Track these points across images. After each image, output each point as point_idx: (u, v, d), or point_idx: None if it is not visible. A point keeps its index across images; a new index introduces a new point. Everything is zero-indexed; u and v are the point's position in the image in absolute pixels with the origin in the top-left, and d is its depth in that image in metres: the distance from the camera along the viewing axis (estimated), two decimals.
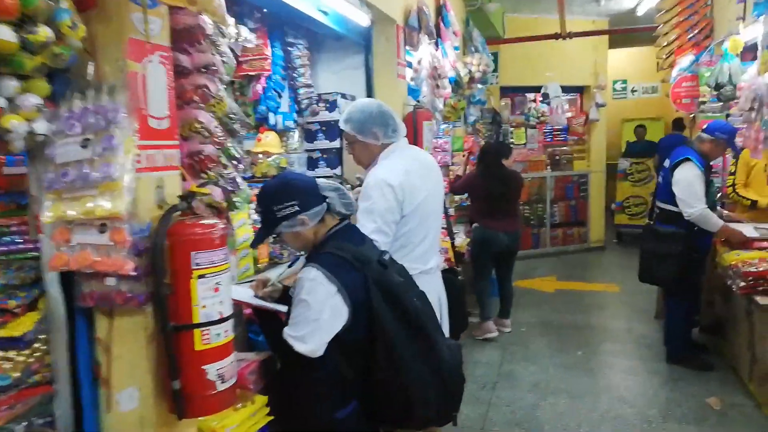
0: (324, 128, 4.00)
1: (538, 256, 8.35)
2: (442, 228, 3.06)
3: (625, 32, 8.49)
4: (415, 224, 2.30)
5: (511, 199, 5.17)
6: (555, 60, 8.51)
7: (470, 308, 5.79)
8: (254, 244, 2.05)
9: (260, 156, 3.54)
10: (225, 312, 1.67)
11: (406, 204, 2.27)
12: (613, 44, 9.09)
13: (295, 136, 3.81)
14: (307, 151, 4.03)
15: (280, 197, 1.83)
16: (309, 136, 4.01)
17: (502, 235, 5.02)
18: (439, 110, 4.82)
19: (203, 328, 1.61)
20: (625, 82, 11.87)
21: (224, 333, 1.66)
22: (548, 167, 8.75)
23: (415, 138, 4.31)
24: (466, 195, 5.74)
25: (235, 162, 1.93)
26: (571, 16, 7.52)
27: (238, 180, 1.92)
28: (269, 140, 3.57)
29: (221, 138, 1.85)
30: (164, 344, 1.60)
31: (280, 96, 3.60)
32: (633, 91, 11.89)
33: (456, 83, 5.60)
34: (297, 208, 1.82)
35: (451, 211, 5.94)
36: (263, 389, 2.08)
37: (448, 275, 2.74)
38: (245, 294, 2.06)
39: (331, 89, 4.10)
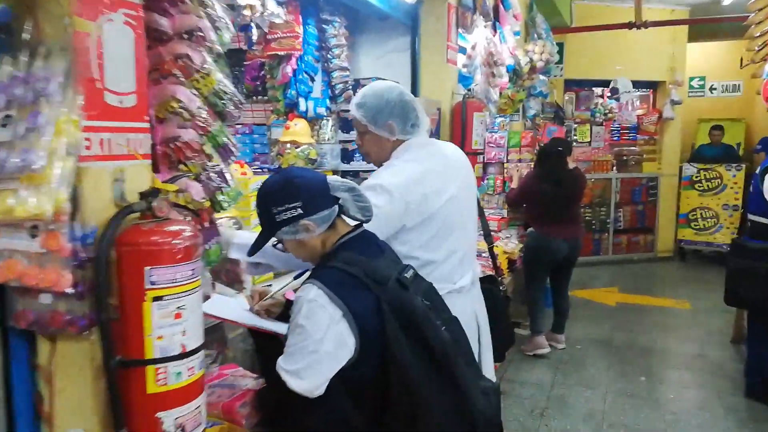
0: None
1: (598, 264, 7.73)
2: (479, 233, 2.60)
3: (710, 22, 7.70)
4: (433, 236, 1.88)
5: (573, 203, 4.66)
6: (626, 52, 7.90)
7: (519, 318, 5.40)
8: (251, 253, 1.68)
9: (288, 146, 3.19)
10: (190, 344, 1.30)
11: (413, 214, 1.85)
12: (692, 37, 8.30)
13: (329, 124, 3.42)
14: (342, 141, 3.64)
15: (280, 197, 1.50)
16: (344, 125, 3.61)
17: (561, 242, 4.51)
18: (493, 101, 4.36)
19: (158, 365, 1.24)
20: (702, 78, 10.91)
21: (187, 371, 1.29)
22: (614, 168, 8.11)
23: (463, 131, 3.87)
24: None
25: (223, 151, 1.55)
26: (646, 5, 6.87)
27: (227, 174, 1.55)
28: (298, 128, 3.20)
29: (205, 121, 1.47)
30: (108, 383, 1.25)
31: (312, 80, 3.24)
32: (712, 89, 10.92)
33: (515, 72, 5.11)
34: (300, 211, 1.49)
35: (503, 213, 5.48)
36: (258, 425, 1.72)
37: (487, 286, 2.32)
38: (235, 308, 1.70)
39: (371, 75, 3.70)
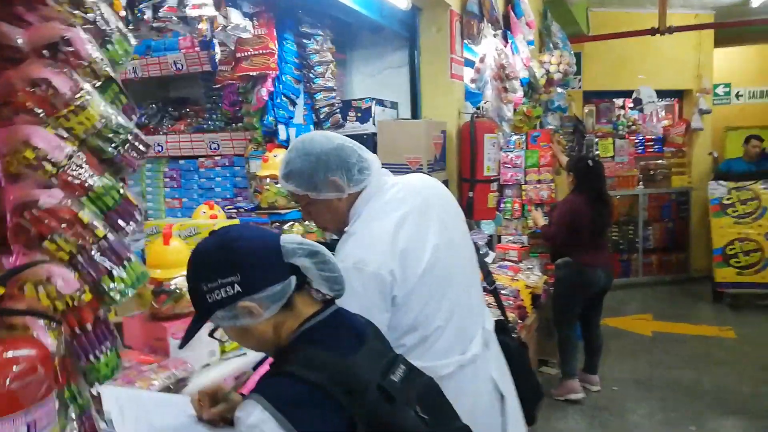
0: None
1: (628, 287, 7.11)
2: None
3: (738, 25, 7.18)
4: (426, 301, 1.53)
5: (609, 225, 4.19)
6: (649, 60, 7.42)
7: (546, 356, 4.86)
8: (180, 345, 1.22)
9: (267, 181, 2.72)
10: None
11: (399, 283, 1.49)
12: (717, 42, 7.78)
13: None
14: None
15: (211, 270, 1.11)
16: None
17: (599, 271, 3.97)
18: (506, 119, 3.88)
19: None
20: (728, 85, 10.31)
21: None
22: (640, 183, 7.52)
23: (473, 155, 3.38)
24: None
25: (116, 216, 1.07)
26: (669, 10, 6.37)
27: (120, 249, 1.06)
28: (278, 160, 2.73)
29: (80, 176, 1.00)
30: None
31: (293, 103, 2.78)
32: (738, 95, 10.30)
33: (530, 86, 4.62)
34: (238, 288, 1.09)
35: (524, 240, 4.96)
36: None
37: (499, 338, 1.84)
38: (171, 419, 1.21)
39: (365, 94, 3.24)
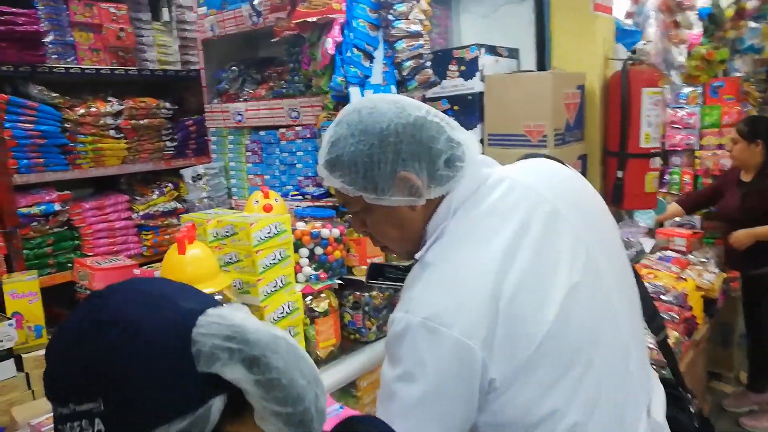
0: (456, 107, 2.38)
1: None
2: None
3: None
4: (549, 385, 0.99)
5: None
6: None
7: (718, 368, 3.90)
8: None
9: None
10: None
11: (506, 358, 0.97)
12: None
13: None
14: None
15: (64, 382, 0.64)
16: None
17: None
18: (677, 66, 2.90)
19: None
20: None
21: None
22: None
23: (624, 119, 2.49)
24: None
25: None
26: None
27: None
28: None
29: None
30: None
31: (369, 58, 2.10)
32: None
33: (711, 19, 3.53)
34: (100, 427, 0.60)
35: (695, 224, 3.93)
36: None
37: (669, 414, 1.21)
38: None
39: (474, 40, 2.46)
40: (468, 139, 1.10)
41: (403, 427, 0.89)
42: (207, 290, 1.63)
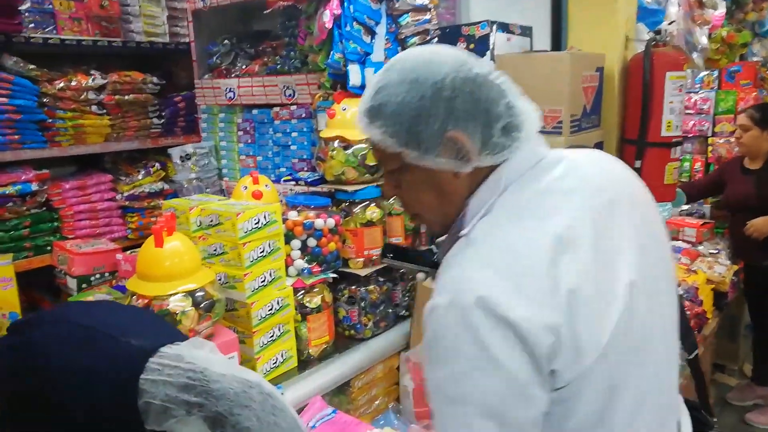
0: None
1: None
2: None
3: None
4: (611, 391, 0.89)
5: None
6: None
7: (724, 360, 3.81)
8: None
9: (334, 145, 1.94)
10: None
11: (575, 354, 0.85)
12: None
13: None
14: None
15: None
16: None
17: None
18: (700, 49, 2.70)
19: None
20: None
21: None
22: None
23: (645, 104, 2.31)
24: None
25: None
26: None
27: None
28: (349, 116, 1.93)
29: None
30: None
31: (370, 33, 1.92)
32: None
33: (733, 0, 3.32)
34: None
35: (705, 212, 3.82)
36: None
37: None
38: None
39: (491, 16, 2.27)
40: (530, 111, 0.99)
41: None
42: (187, 286, 1.48)
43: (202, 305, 1.48)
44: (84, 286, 1.97)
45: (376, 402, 1.93)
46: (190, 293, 1.47)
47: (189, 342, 0.58)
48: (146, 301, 1.44)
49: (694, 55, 2.79)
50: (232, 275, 1.65)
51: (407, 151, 0.94)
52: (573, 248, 0.87)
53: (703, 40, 2.78)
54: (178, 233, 1.54)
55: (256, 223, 1.63)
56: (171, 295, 1.45)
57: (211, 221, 1.69)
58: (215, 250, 1.68)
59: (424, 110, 0.91)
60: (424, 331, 0.88)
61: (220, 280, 1.65)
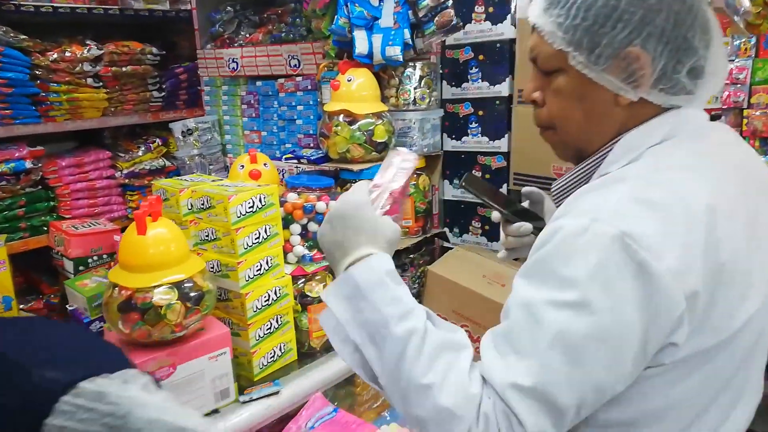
0: (481, 56, 2.00)
1: None
2: None
3: None
4: (719, 388, 0.81)
5: None
6: None
7: None
8: None
9: (339, 119, 1.77)
10: None
11: (704, 327, 0.75)
12: None
13: (414, 75, 1.89)
14: (447, 102, 2.09)
15: None
16: (449, 73, 2.05)
17: None
18: (742, 12, 2.45)
19: None
20: None
21: None
22: None
23: None
24: None
25: None
26: None
27: None
28: (355, 88, 1.76)
29: None
30: None
31: None
32: None
33: None
34: None
35: None
36: None
37: None
38: None
39: None
40: (724, 65, 0.89)
41: (554, 364, 0.71)
42: (173, 277, 1.35)
43: (189, 298, 1.35)
44: (81, 268, 1.86)
45: (383, 397, 1.80)
46: (177, 285, 1.34)
47: (119, 375, 0.44)
48: (128, 293, 1.32)
49: (737, 20, 2.55)
50: (225, 263, 1.51)
51: (574, 52, 0.81)
52: (730, 223, 0.77)
53: (746, 2, 2.54)
54: (165, 218, 1.40)
55: (250, 207, 1.48)
56: (155, 287, 1.32)
57: (203, 204, 1.55)
58: (207, 236, 1.55)
59: (615, 12, 0.78)
60: (538, 247, 0.77)
61: (212, 268, 1.52)
